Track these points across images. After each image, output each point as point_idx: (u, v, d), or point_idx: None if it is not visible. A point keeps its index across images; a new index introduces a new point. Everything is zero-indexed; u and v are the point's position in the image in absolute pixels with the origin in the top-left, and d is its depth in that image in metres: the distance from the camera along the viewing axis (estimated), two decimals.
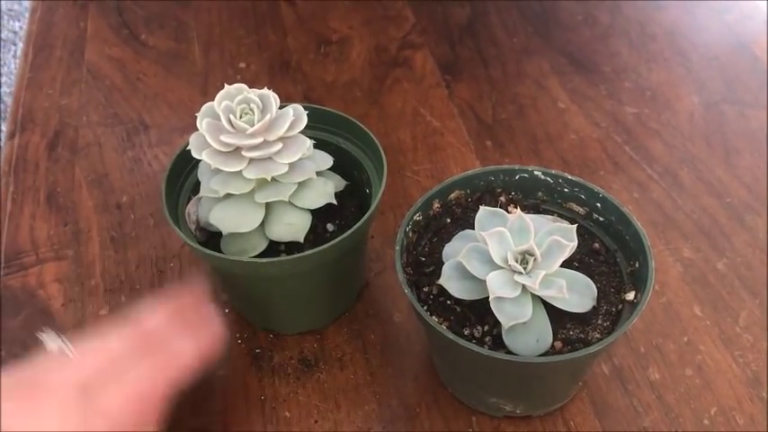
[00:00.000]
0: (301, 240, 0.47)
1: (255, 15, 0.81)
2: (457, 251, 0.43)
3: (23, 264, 0.58)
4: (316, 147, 0.51)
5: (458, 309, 0.44)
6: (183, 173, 0.51)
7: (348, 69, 0.74)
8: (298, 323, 0.52)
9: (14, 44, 1.74)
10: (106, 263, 0.57)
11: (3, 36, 1.79)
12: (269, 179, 0.45)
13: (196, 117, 0.45)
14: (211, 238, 0.49)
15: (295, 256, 0.45)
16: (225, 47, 0.77)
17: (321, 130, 0.53)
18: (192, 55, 0.76)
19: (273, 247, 0.48)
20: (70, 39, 0.79)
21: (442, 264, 0.44)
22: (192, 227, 0.49)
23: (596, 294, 0.43)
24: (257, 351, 0.51)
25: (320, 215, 0.49)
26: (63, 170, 0.65)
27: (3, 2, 1.87)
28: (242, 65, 0.75)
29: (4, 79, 1.64)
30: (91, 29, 0.81)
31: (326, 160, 0.50)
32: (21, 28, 1.78)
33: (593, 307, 0.43)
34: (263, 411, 0.48)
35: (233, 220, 0.46)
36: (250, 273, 0.47)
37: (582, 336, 0.43)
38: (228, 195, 0.46)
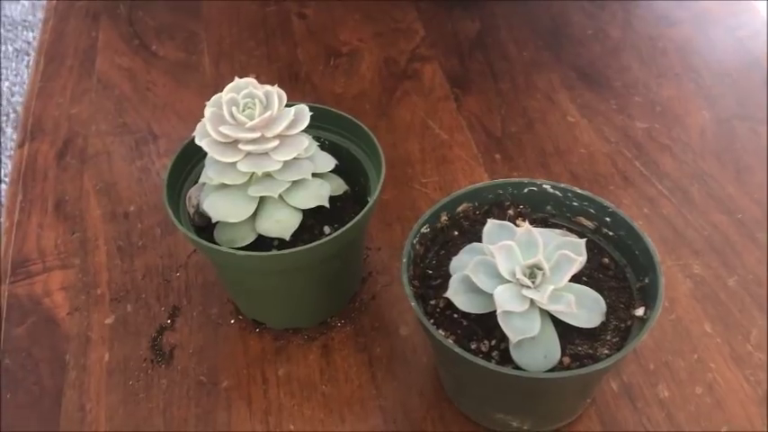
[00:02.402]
0: (287, 238, 0.47)
1: (266, 27, 0.82)
2: (464, 264, 0.43)
3: (30, 272, 0.58)
4: (325, 149, 0.51)
5: (465, 322, 0.44)
6: (192, 161, 0.52)
7: (357, 82, 0.74)
8: (282, 319, 0.53)
9: (28, 54, 1.75)
10: (112, 272, 0.57)
11: (17, 46, 1.81)
12: (260, 174, 0.46)
13: None
14: (210, 224, 0.49)
15: (273, 252, 0.46)
16: (235, 58, 0.77)
17: (335, 133, 0.54)
18: (202, 66, 0.77)
19: (266, 242, 0.48)
20: (81, 48, 0.80)
21: (449, 277, 0.43)
22: (191, 210, 0.49)
23: (605, 310, 0.43)
24: (262, 362, 0.51)
25: (320, 217, 0.49)
26: (71, 179, 0.65)
27: (18, 13, 1.89)
28: (252, 76, 0.74)
29: (17, 89, 1.66)
30: (102, 39, 0.81)
31: (329, 163, 0.50)
32: (34, 38, 1.79)
33: (602, 322, 0.43)
34: (267, 424, 0.48)
35: (223, 209, 0.47)
36: (233, 263, 0.48)
37: (590, 352, 0.42)
38: (224, 185, 0.47)
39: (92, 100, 0.73)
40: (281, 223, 0.47)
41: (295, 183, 0.47)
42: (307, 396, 0.49)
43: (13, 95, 1.64)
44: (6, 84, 1.66)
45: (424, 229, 0.47)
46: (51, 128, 0.71)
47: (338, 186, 0.51)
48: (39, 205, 0.63)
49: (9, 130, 1.54)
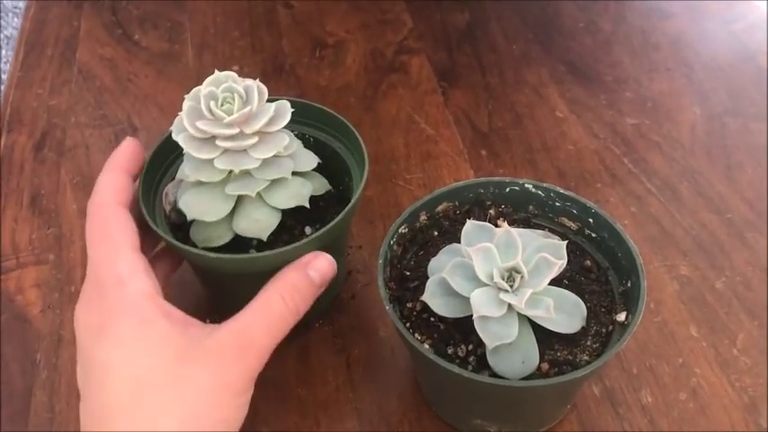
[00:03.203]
0: (264, 239, 0.45)
1: (251, 17, 0.80)
2: (442, 266, 0.41)
3: (2, 268, 0.56)
4: (309, 146, 0.50)
5: (442, 326, 0.43)
6: (170, 157, 0.50)
7: (343, 74, 0.73)
8: None
9: None
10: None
11: (7, 33, 1.79)
12: (238, 172, 0.44)
13: None
14: (186, 222, 0.48)
15: (247, 255, 0.45)
16: (218, 49, 0.76)
17: (319, 129, 0.52)
18: (185, 57, 0.75)
19: (245, 242, 0.47)
20: (63, 38, 0.78)
21: (427, 279, 0.42)
22: (168, 207, 0.48)
23: (586, 314, 0.41)
24: None
25: (300, 217, 0.48)
26: (48, 172, 0.64)
27: (7, 0, 1.86)
28: (235, 67, 0.73)
29: (4, 77, 1.64)
30: (84, 28, 0.79)
31: (311, 161, 0.48)
32: None
33: (583, 327, 0.41)
34: (240, 428, 0.46)
35: (200, 207, 0.45)
36: (207, 265, 0.46)
37: (570, 357, 0.41)
38: (200, 183, 0.45)
39: (72, 91, 0.72)
40: (259, 223, 0.46)
41: (274, 181, 0.46)
42: (282, 399, 0.48)
43: (2, 83, 1.62)
44: None
45: (402, 230, 0.45)
46: (29, 119, 0.69)
47: (320, 185, 0.49)
48: (14, 199, 0.61)
49: None
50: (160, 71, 0.74)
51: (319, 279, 0.42)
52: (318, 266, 0.42)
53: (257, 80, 0.45)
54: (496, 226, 0.42)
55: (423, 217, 0.47)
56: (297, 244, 0.43)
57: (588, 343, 0.42)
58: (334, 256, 0.51)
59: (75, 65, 0.75)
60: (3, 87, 0.75)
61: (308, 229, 0.49)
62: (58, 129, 0.68)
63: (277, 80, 0.72)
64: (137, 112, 0.69)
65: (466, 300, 0.40)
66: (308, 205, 0.46)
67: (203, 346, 0.37)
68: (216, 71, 0.45)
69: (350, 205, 0.45)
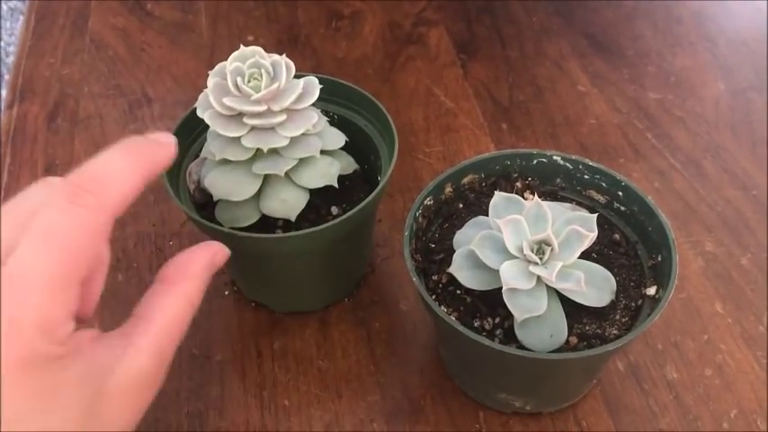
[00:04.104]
0: (293, 219, 0.45)
1: None
2: (469, 238, 0.41)
3: None
4: (334, 124, 0.49)
5: (468, 299, 0.42)
6: (193, 134, 0.49)
7: (360, 45, 0.71)
8: (287, 303, 0.50)
9: (23, 13, 1.71)
10: None
11: (11, 5, 1.77)
12: (265, 150, 0.43)
13: (201, 90, 0.43)
14: (211, 201, 0.47)
15: (278, 235, 0.44)
16: (233, 19, 0.75)
17: (344, 106, 0.51)
18: (199, 27, 0.74)
19: (271, 222, 0.46)
20: (74, 7, 0.77)
21: (453, 251, 0.42)
22: (192, 186, 0.47)
23: (615, 288, 0.41)
24: (257, 336, 0.49)
25: (326, 196, 0.47)
26: (62, 142, 0.63)
27: None
28: (250, 38, 0.72)
29: (12, 49, 1.62)
30: None
31: (339, 139, 0.47)
32: None
33: (612, 301, 0.41)
34: (261, 399, 0.46)
35: (226, 186, 0.44)
36: (235, 245, 0.45)
37: (599, 331, 0.41)
38: (226, 161, 0.44)
39: (84, 60, 0.71)
40: (287, 203, 0.45)
41: (302, 160, 0.44)
42: (302, 371, 0.47)
43: (7, 56, 1.60)
44: (1, 44, 1.63)
45: (427, 201, 0.45)
46: (42, 89, 0.68)
47: (348, 165, 0.48)
48: (28, 169, 0.61)
49: (4, 92, 1.51)
50: (173, 41, 0.73)
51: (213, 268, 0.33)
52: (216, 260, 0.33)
53: (284, 55, 0.44)
54: (524, 198, 0.42)
55: (448, 189, 0.46)
56: (328, 224, 0.42)
57: (617, 317, 0.41)
58: (362, 235, 0.50)
59: (88, 34, 0.74)
60: (12, 59, 0.74)
61: (334, 209, 0.48)
62: (72, 99, 0.67)
63: (292, 51, 0.71)
64: (150, 82, 0.68)
65: (494, 272, 0.39)
66: (336, 185, 0.45)
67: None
68: (242, 46, 0.44)
69: (380, 186, 0.44)
